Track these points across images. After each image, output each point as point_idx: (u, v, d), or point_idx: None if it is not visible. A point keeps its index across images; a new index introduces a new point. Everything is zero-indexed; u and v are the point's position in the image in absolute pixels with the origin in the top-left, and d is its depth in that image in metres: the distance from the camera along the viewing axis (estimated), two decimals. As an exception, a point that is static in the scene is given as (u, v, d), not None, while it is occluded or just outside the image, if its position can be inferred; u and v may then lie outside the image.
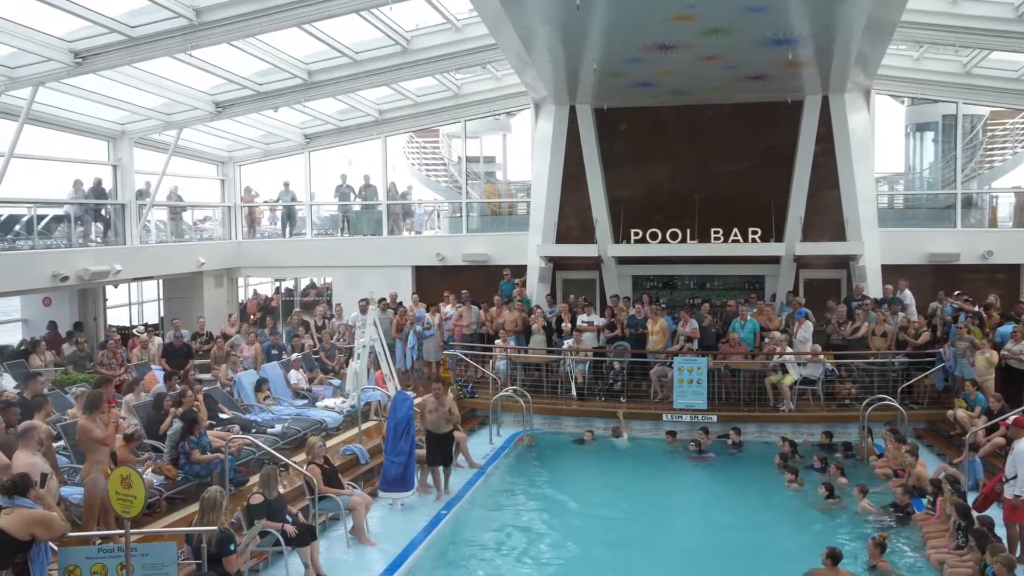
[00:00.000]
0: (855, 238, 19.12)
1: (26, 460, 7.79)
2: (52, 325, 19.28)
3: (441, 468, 12.87)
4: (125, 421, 11.66)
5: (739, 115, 19.83)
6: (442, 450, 12.79)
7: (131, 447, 10.19)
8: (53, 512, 7.14)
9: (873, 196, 20.26)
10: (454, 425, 13.19)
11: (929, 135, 25.39)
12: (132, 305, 23.88)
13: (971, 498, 11.09)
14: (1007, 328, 15.44)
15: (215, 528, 7.99)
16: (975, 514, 10.15)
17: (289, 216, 24.75)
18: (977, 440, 12.87)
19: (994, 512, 10.44)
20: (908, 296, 18.23)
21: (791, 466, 13.64)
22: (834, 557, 9.69)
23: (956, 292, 18.11)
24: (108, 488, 7.08)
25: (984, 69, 19.73)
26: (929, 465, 12.80)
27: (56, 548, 7.31)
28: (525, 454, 15.63)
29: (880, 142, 22.05)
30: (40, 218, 18.36)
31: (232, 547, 8.04)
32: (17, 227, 18.13)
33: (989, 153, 23.82)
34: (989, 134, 23.71)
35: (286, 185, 24.71)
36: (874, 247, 19.39)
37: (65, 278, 17.30)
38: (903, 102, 24.96)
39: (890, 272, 19.26)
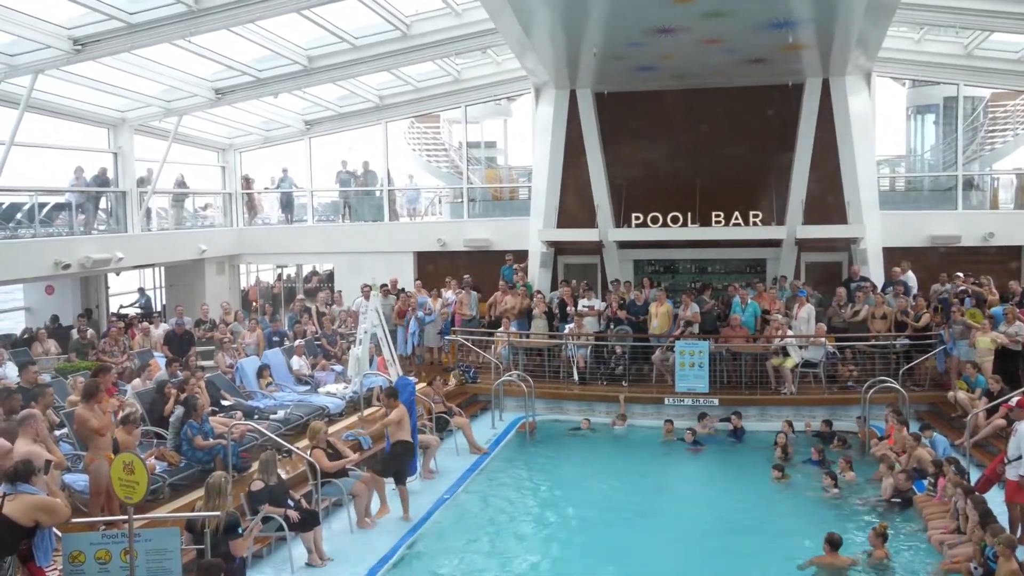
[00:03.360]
0: (856, 221, 19.10)
1: (25, 448, 7.82)
2: (55, 318, 19.32)
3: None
4: (127, 407, 11.70)
5: (740, 98, 19.76)
6: (394, 463, 11.54)
7: (128, 429, 10.21)
8: (56, 498, 7.17)
9: (874, 179, 20.19)
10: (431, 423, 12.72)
11: (930, 117, 25.33)
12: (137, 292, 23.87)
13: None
14: (998, 310, 15.45)
15: (220, 513, 8.03)
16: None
17: (288, 203, 24.74)
18: (978, 422, 12.89)
19: (996, 494, 10.48)
20: (911, 278, 18.22)
21: (777, 463, 13.43)
22: (832, 543, 9.75)
23: (959, 274, 18.02)
24: (111, 474, 7.12)
25: (985, 51, 19.64)
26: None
27: (60, 534, 7.36)
28: (527, 440, 15.68)
29: (881, 124, 22.04)
30: (42, 206, 18.37)
31: (240, 530, 8.11)
32: (19, 215, 18.11)
33: (990, 135, 23.76)
34: (990, 116, 23.66)
35: (285, 172, 24.70)
36: (875, 230, 19.37)
37: (67, 266, 17.34)
38: (904, 84, 24.90)
39: (892, 255, 19.26)
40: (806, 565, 9.83)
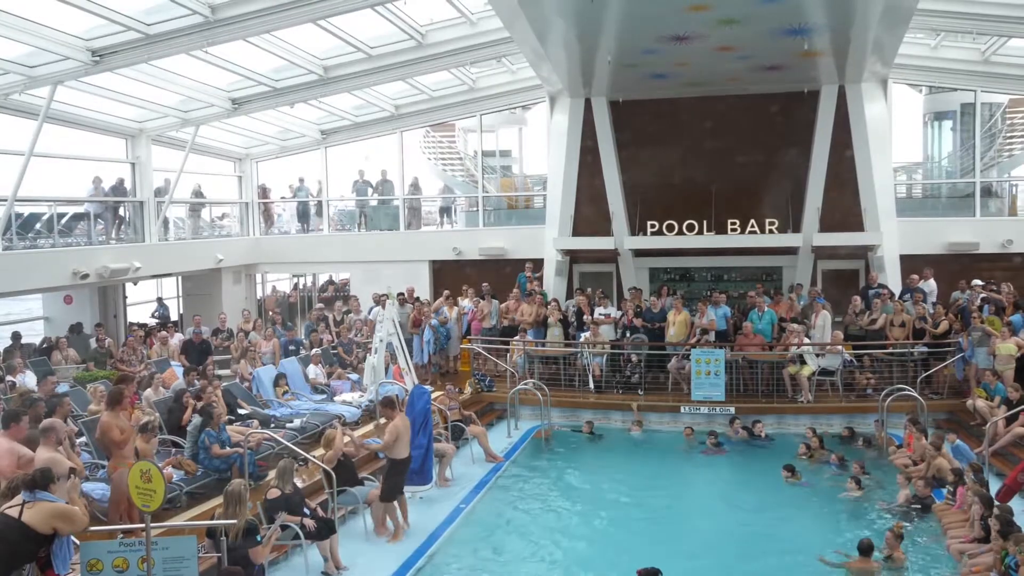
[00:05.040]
0: (873, 228, 18.99)
1: (47, 455, 7.88)
2: (77, 327, 19.43)
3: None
4: (147, 415, 11.76)
5: (755, 106, 19.73)
6: (391, 480, 11.07)
7: (146, 437, 10.24)
8: (75, 506, 7.20)
9: (891, 186, 20.11)
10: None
11: (947, 124, 25.14)
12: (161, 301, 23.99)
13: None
14: (1017, 317, 15.31)
15: (236, 521, 8.06)
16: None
17: (304, 213, 24.86)
18: (997, 430, 12.77)
19: (1016, 503, 10.37)
20: (931, 285, 18.10)
21: (789, 463, 13.48)
22: (862, 549, 9.72)
23: (977, 281, 17.91)
24: (128, 482, 7.15)
25: (1003, 56, 19.48)
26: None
27: (78, 542, 7.39)
28: (543, 448, 15.65)
29: (898, 131, 21.84)
30: (60, 216, 18.52)
31: (259, 538, 8.14)
32: (38, 225, 18.27)
33: (1008, 141, 23.56)
34: (1008, 122, 23.46)
35: (301, 181, 24.82)
36: (892, 237, 19.26)
37: (85, 275, 17.47)
38: (921, 91, 24.75)
39: (909, 262, 19.13)
40: (838, 564, 9.83)
